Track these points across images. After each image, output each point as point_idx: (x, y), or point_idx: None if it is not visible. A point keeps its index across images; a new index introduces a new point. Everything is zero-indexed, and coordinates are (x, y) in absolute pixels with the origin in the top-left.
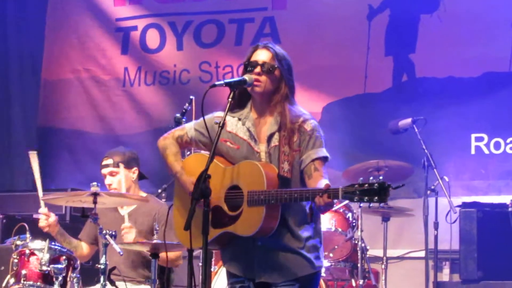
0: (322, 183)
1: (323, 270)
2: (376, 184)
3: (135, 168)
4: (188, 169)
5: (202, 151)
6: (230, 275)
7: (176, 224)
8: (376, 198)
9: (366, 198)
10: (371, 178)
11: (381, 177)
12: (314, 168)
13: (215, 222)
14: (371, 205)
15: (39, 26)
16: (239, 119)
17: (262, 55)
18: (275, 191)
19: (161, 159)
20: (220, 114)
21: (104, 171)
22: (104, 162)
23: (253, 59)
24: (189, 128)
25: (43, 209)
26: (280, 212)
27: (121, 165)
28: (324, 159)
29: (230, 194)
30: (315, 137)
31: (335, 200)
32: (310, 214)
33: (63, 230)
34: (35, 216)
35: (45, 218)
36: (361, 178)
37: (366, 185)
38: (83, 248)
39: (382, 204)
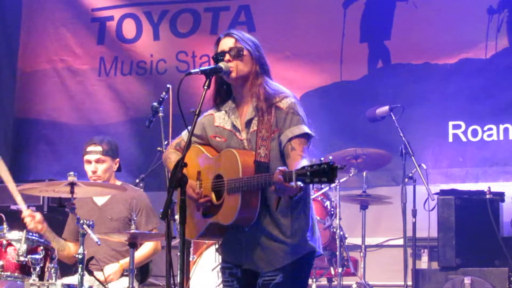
0: (300, 163)
1: None
2: (324, 166)
3: (117, 159)
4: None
5: (197, 144)
6: (222, 259)
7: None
8: (325, 179)
9: (316, 179)
10: (351, 173)
11: (330, 157)
12: (291, 147)
13: (206, 213)
14: (322, 186)
15: (15, 17)
16: (226, 112)
17: (226, 43)
18: (247, 178)
19: (138, 148)
20: (209, 112)
21: (90, 157)
22: (91, 148)
23: (219, 50)
24: (185, 134)
25: (25, 211)
26: (260, 200)
27: (108, 155)
28: (303, 136)
29: (215, 184)
30: (291, 114)
31: (292, 183)
32: (276, 201)
33: (50, 230)
34: (12, 207)
35: (31, 219)
36: (313, 159)
37: (315, 166)
38: (71, 248)
39: (360, 192)
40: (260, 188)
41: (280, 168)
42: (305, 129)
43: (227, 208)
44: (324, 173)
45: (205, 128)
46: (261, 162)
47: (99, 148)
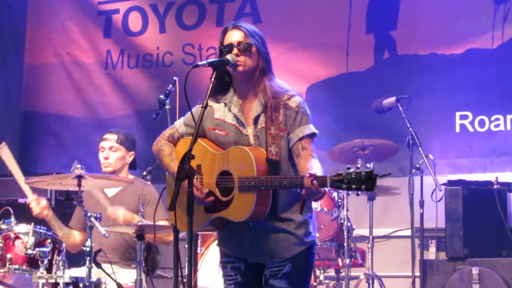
0: (313, 163)
1: None
2: (363, 173)
3: (132, 152)
4: (178, 155)
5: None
6: (222, 254)
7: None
8: (364, 186)
9: (354, 186)
10: (358, 163)
11: (368, 165)
12: (302, 147)
13: (209, 207)
14: (359, 193)
15: (22, 10)
16: (225, 105)
17: (235, 36)
18: (265, 178)
19: (145, 141)
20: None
21: (105, 144)
22: (107, 136)
23: (226, 42)
24: (178, 125)
25: (31, 197)
26: (271, 197)
27: (123, 145)
28: (311, 135)
29: (221, 180)
30: (301, 114)
31: (324, 189)
32: (301, 205)
33: (56, 217)
34: (20, 200)
35: (37, 204)
36: (348, 166)
37: (354, 173)
38: (76, 236)
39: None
40: (283, 189)
41: (311, 172)
42: (313, 128)
43: (239, 206)
44: (363, 181)
45: (202, 120)
46: (273, 160)
47: (114, 137)
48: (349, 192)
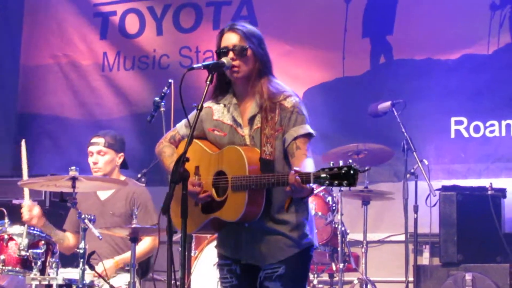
0: (306, 163)
1: None
2: (345, 168)
3: (121, 154)
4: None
5: (194, 139)
6: (219, 255)
7: (175, 222)
8: (346, 182)
9: (336, 182)
10: (341, 162)
11: (350, 161)
12: (296, 146)
13: (205, 208)
14: (342, 189)
15: (18, 12)
16: (224, 105)
17: (230, 39)
18: (255, 177)
19: (141, 143)
20: (207, 104)
21: (93, 148)
22: (94, 140)
23: (223, 44)
24: (180, 127)
25: (26, 201)
26: (265, 197)
27: (111, 148)
28: (307, 135)
29: (217, 180)
30: (296, 114)
31: (312, 185)
32: (288, 202)
33: (49, 223)
34: (14, 202)
35: (28, 210)
36: (332, 162)
37: (336, 169)
38: (70, 239)
39: (362, 188)
40: (272, 187)
41: (296, 169)
42: (309, 128)
43: (232, 206)
44: (345, 176)
45: (203, 121)
46: (266, 160)
47: (101, 140)
48: (346, 189)
